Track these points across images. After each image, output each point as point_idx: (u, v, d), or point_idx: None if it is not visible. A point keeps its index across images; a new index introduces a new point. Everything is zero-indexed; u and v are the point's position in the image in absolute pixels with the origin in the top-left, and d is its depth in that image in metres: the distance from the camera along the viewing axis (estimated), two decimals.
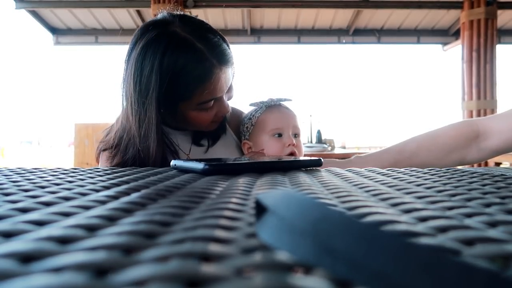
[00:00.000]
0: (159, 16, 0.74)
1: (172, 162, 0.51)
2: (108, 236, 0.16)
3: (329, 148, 2.76)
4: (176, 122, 0.78)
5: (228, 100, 0.80)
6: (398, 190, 0.30)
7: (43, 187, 0.31)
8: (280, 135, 0.84)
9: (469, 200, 0.25)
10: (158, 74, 0.66)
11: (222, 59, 0.71)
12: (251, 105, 0.91)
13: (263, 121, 0.85)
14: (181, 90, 0.69)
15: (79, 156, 5.01)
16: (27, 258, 0.13)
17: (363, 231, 0.11)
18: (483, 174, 0.41)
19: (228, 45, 0.75)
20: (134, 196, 0.27)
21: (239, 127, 0.91)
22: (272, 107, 0.87)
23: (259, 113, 0.86)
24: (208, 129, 0.80)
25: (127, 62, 0.72)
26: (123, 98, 0.74)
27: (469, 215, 0.20)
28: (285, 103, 0.90)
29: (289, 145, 0.83)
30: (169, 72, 0.67)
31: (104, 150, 0.79)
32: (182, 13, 0.75)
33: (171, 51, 0.67)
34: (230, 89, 0.79)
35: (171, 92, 0.68)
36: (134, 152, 0.71)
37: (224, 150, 0.86)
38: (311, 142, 2.82)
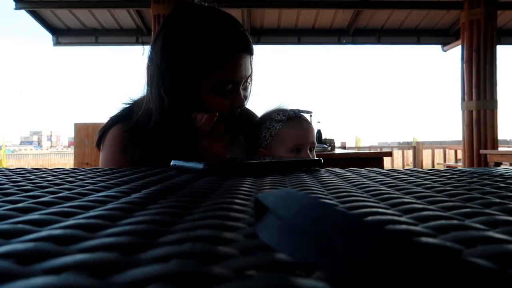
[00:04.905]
0: None
1: (172, 162, 0.51)
2: (108, 236, 0.16)
3: (329, 148, 2.75)
4: (191, 107, 0.78)
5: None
6: (398, 190, 0.30)
7: (43, 188, 0.31)
8: (298, 150, 0.85)
9: (469, 200, 0.25)
10: (192, 40, 0.71)
11: (247, 45, 0.76)
12: (272, 112, 0.89)
13: (283, 135, 0.85)
14: (207, 60, 0.72)
15: (79, 156, 5.01)
16: (27, 258, 0.13)
17: (365, 230, 0.11)
18: (483, 174, 0.41)
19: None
20: (134, 196, 0.27)
21: (248, 127, 0.91)
22: (293, 119, 0.87)
23: (280, 125, 0.86)
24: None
25: (155, 42, 0.76)
26: (149, 80, 0.76)
27: (469, 215, 0.20)
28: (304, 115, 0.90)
29: None
30: (203, 39, 0.71)
31: (114, 125, 0.80)
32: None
33: (210, 20, 0.73)
34: (246, 87, 0.81)
35: (197, 63, 0.71)
36: (153, 122, 0.74)
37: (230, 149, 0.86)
38: None
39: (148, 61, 0.76)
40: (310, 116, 3.01)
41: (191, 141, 0.74)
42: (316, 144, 2.82)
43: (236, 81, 0.75)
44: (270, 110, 0.91)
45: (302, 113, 0.90)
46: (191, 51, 0.71)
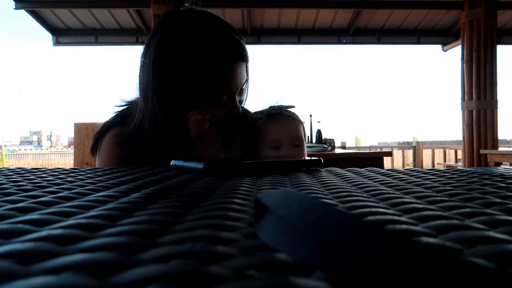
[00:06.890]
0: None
1: (172, 162, 0.51)
2: (108, 236, 0.16)
3: (329, 148, 2.75)
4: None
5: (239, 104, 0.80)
6: (398, 190, 0.30)
7: (43, 187, 0.31)
8: (278, 147, 0.84)
9: (469, 200, 0.25)
10: (188, 50, 0.69)
11: (242, 54, 0.74)
12: (256, 113, 0.89)
13: (262, 133, 0.85)
14: (202, 75, 0.70)
15: (79, 156, 5.01)
16: (27, 258, 0.13)
17: (365, 230, 0.11)
18: (483, 174, 0.41)
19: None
20: (134, 196, 0.27)
21: (245, 127, 0.91)
22: (273, 116, 0.86)
23: (259, 122, 0.86)
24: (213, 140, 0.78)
25: (147, 51, 0.73)
26: (142, 93, 0.74)
27: (469, 215, 0.20)
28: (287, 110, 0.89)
29: None
30: (199, 49, 0.69)
31: (109, 130, 0.79)
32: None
33: (203, 31, 0.71)
34: (242, 92, 0.80)
35: (192, 79, 0.70)
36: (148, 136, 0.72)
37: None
38: (311, 142, 2.82)
39: (140, 70, 0.75)
40: (311, 116, 3.00)
41: (186, 149, 0.73)
42: (316, 144, 2.80)
43: (232, 91, 0.74)
44: (260, 110, 0.92)
45: (284, 109, 0.88)
46: (185, 67, 0.69)
